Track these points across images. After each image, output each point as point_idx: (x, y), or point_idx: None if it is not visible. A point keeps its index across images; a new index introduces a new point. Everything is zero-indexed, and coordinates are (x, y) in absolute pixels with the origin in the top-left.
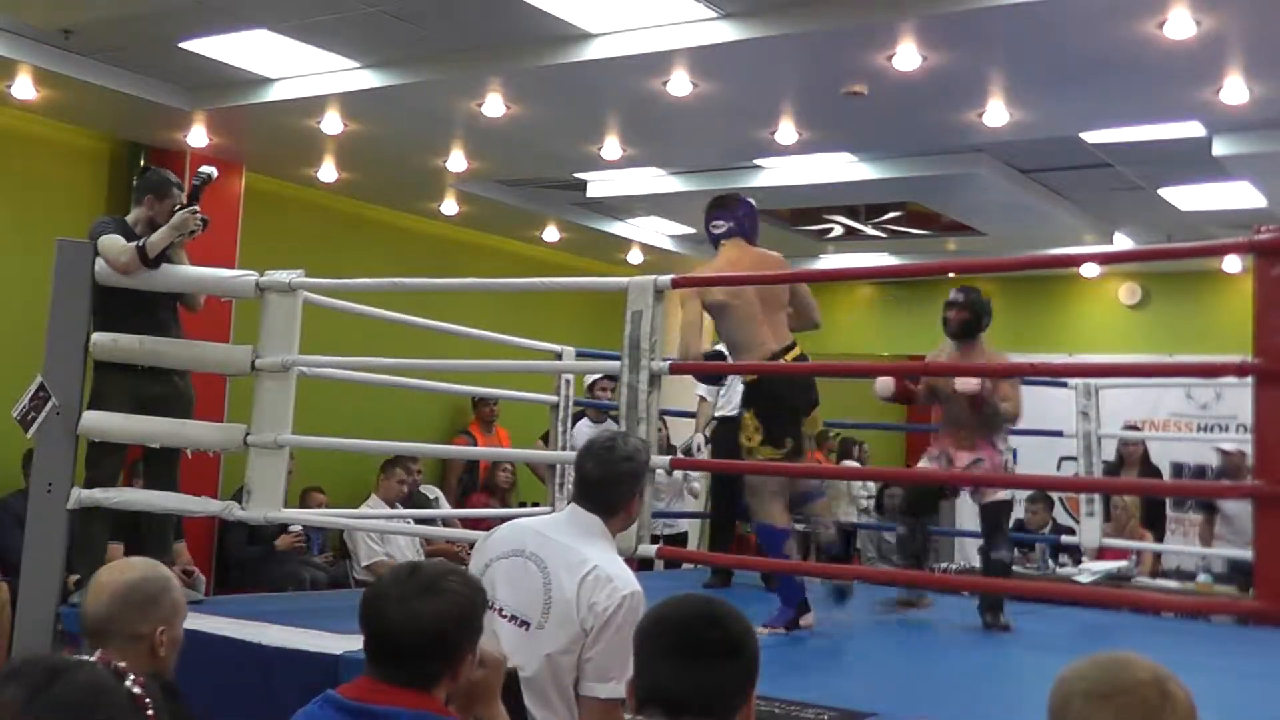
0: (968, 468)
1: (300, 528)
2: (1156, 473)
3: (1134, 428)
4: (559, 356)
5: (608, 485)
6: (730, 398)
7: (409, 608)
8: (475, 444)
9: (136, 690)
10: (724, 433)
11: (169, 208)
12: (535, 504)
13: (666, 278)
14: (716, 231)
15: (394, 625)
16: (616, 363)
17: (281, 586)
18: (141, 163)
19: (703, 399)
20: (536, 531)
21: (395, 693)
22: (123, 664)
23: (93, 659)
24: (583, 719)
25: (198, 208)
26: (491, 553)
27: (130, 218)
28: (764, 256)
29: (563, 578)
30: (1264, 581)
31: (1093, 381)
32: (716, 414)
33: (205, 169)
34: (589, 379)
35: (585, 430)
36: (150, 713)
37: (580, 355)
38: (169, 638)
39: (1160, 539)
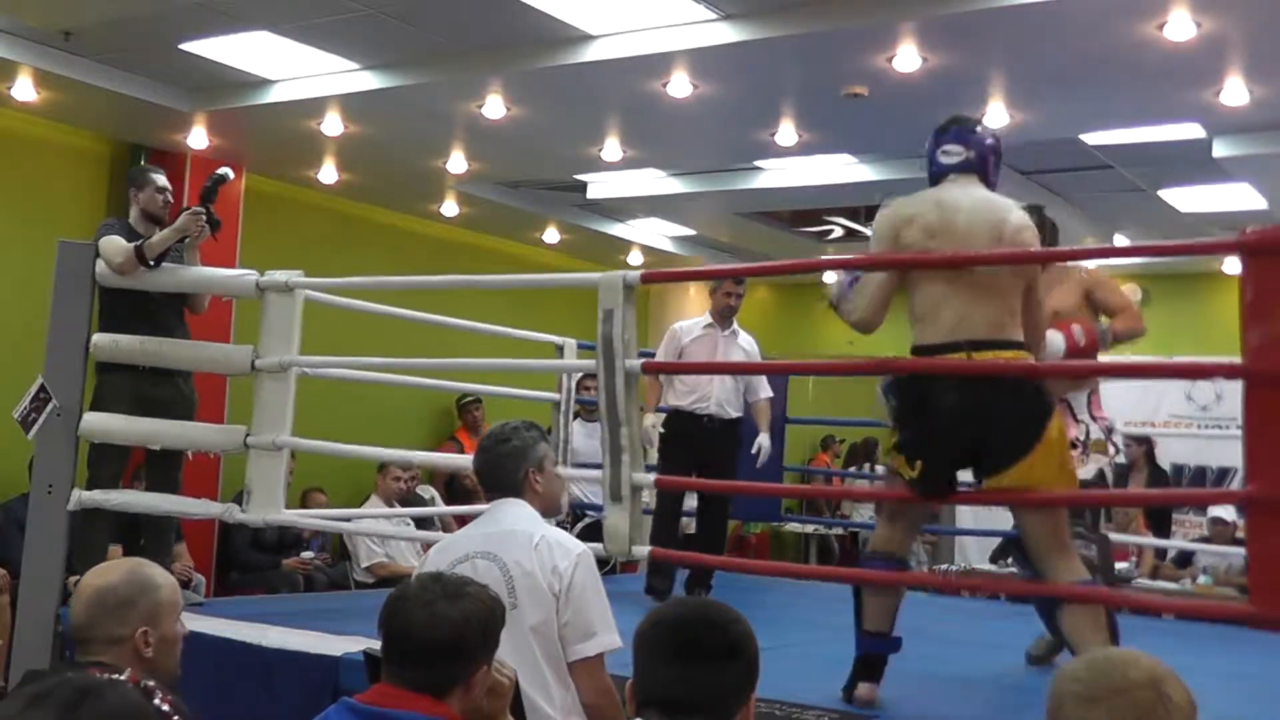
0: None
1: (311, 554)
2: (1162, 473)
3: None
4: (560, 349)
5: (498, 470)
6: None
7: (433, 610)
8: (462, 451)
9: (165, 708)
10: None
11: (152, 195)
12: None
13: (635, 273)
14: (945, 161)
15: (416, 627)
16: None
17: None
18: (142, 164)
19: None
20: (471, 536)
21: (409, 698)
22: (151, 683)
23: (123, 678)
24: (580, 684)
25: (201, 209)
26: (438, 567)
27: (131, 218)
28: (996, 206)
29: (517, 556)
30: (1258, 586)
31: None
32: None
33: (221, 170)
34: (576, 377)
35: (579, 431)
36: None
37: (582, 348)
38: (156, 638)
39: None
